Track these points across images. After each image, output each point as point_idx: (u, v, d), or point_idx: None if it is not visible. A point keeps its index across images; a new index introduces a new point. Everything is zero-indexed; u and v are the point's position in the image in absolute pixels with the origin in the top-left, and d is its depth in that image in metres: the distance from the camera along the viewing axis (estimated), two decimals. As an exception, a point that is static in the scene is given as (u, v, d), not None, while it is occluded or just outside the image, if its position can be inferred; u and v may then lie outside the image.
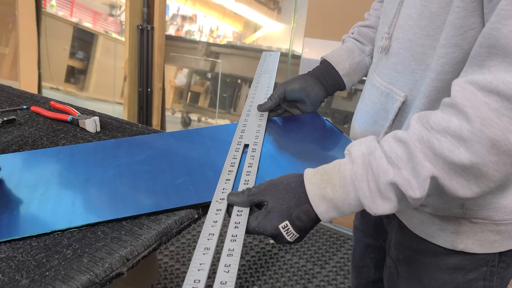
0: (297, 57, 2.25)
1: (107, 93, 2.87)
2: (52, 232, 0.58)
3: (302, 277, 1.78)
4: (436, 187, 0.53)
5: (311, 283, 1.75)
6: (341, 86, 0.90)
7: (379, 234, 0.89)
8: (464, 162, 0.49)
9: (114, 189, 0.66)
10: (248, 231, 0.58)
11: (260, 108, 0.88)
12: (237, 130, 0.80)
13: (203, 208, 0.64)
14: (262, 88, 0.99)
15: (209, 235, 0.55)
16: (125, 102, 2.66)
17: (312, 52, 2.15)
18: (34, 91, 3.07)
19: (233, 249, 0.53)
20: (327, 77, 0.88)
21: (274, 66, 1.12)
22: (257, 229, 0.58)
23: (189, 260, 1.82)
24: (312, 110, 0.89)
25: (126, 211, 0.61)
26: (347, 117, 2.21)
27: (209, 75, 2.57)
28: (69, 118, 0.91)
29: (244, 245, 1.94)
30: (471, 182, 0.51)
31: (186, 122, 2.72)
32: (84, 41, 2.87)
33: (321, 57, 0.92)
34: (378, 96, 0.73)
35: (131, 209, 0.61)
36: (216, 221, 0.57)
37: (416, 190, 0.52)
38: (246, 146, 0.76)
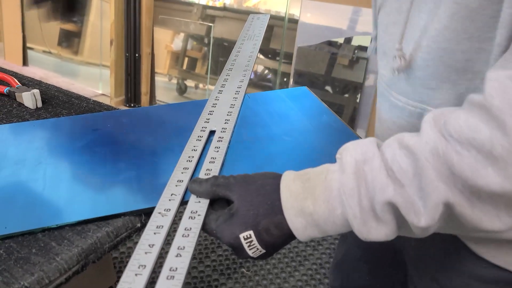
0: (294, 22, 2.07)
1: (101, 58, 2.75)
2: None
3: (294, 259, 1.68)
4: (451, 217, 0.39)
5: (303, 265, 1.65)
6: None
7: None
8: (493, 188, 0.35)
9: (35, 189, 0.52)
10: (205, 231, 0.47)
11: None
12: (203, 112, 0.65)
13: (149, 214, 0.49)
14: (243, 58, 0.83)
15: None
16: (111, 67, 2.52)
17: (310, 16, 1.96)
18: (19, 54, 2.92)
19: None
20: None
21: (260, 32, 0.95)
22: (215, 232, 0.46)
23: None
24: None
25: (43, 220, 0.47)
26: (347, 87, 2.05)
27: (206, 40, 2.40)
28: (5, 90, 0.75)
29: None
30: (501, 210, 0.37)
31: (181, 89, 2.61)
32: (77, 2, 2.73)
33: None
34: (405, 118, 0.56)
35: (49, 217, 0.47)
36: (153, 245, 0.43)
37: (422, 217, 0.38)
38: (213, 133, 0.61)
